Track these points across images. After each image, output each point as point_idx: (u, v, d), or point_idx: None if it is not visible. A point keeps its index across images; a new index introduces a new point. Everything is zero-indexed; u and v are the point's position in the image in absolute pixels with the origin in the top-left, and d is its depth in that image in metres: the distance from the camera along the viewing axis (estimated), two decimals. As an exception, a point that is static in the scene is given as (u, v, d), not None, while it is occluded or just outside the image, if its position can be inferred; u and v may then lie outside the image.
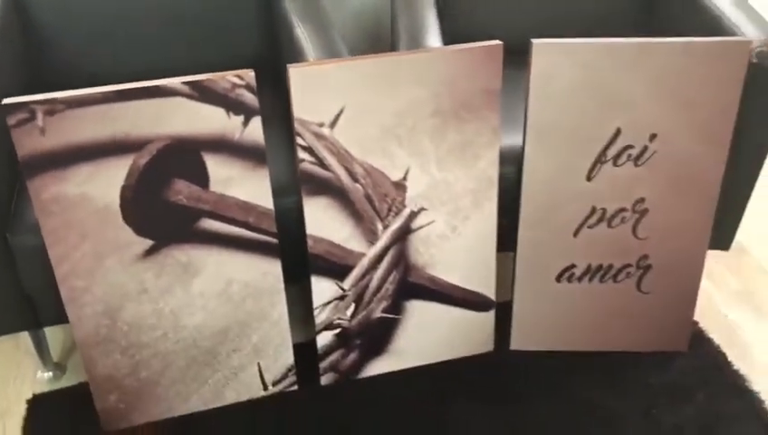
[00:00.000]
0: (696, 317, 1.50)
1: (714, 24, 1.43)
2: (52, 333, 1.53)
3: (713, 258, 1.54)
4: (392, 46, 1.43)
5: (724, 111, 1.27)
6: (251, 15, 1.63)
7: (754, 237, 1.77)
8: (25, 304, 1.32)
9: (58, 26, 1.58)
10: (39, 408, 1.42)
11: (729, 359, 1.48)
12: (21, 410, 1.42)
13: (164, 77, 1.13)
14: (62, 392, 1.45)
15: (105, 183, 1.16)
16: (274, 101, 1.41)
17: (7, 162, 1.32)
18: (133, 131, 1.14)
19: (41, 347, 1.45)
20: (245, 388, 1.39)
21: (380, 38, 1.95)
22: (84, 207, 1.17)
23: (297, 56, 1.35)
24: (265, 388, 1.40)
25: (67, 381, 1.48)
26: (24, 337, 1.43)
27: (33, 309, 1.34)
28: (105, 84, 1.56)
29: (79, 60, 1.61)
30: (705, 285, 1.51)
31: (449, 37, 1.43)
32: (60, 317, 1.34)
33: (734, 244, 1.55)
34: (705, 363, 1.47)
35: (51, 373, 1.48)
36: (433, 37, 1.34)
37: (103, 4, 1.58)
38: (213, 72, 1.12)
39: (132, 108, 1.12)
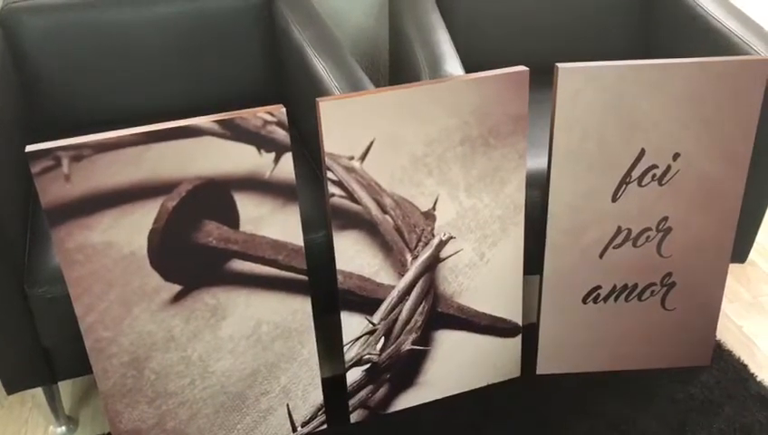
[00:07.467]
0: (714, 330, 1.51)
1: (724, 43, 1.45)
2: (62, 385, 1.45)
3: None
4: (413, 78, 1.41)
5: (744, 128, 1.28)
6: (255, 48, 1.59)
7: (759, 249, 1.81)
8: (43, 358, 1.25)
9: (52, 61, 1.53)
10: (55, 466, 1.35)
11: (751, 370, 1.49)
12: (35, 469, 1.35)
13: (166, 112, 1.08)
14: (78, 448, 1.39)
15: (130, 229, 1.11)
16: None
17: (20, 212, 1.26)
18: (161, 173, 1.09)
19: (53, 401, 1.38)
20: (274, 431, 1.34)
21: (377, 63, 1.93)
22: (110, 254, 1.11)
23: (316, 89, 1.32)
24: (294, 429, 1.35)
25: (81, 435, 1.41)
26: (31, 391, 1.36)
27: (50, 363, 1.27)
28: (106, 119, 1.52)
29: (75, 95, 1.55)
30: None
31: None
32: (78, 370, 1.28)
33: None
34: (727, 376, 1.48)
35: (64, 428, 1.41)
36: (453, 65, 1.33)
37: (101, 38, 1.52)
38: (216, 106, 1.08)
39: (161, 149, 1.08)
